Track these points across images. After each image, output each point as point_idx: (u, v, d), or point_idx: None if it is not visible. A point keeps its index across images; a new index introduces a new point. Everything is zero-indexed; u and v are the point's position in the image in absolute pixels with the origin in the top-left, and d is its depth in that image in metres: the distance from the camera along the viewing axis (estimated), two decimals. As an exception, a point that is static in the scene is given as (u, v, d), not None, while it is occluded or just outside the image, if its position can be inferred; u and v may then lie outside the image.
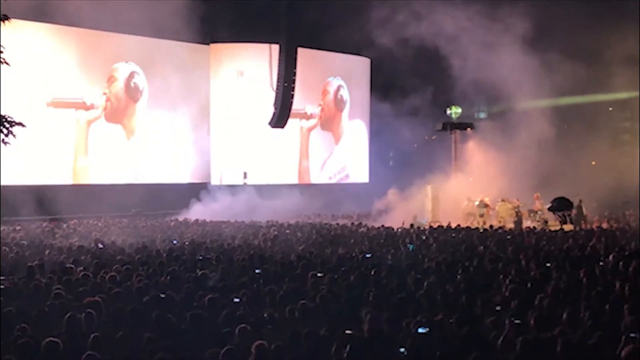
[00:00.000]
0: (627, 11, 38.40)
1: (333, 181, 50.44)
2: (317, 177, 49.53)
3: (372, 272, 14.66)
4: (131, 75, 41.24)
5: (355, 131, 51.72)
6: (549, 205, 34.20)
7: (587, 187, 36.00)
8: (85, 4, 36.18)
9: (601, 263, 16.29)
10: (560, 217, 33.66)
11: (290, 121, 43.39)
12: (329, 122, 50.26)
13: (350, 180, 51.34)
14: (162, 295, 11.90)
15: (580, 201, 34.33)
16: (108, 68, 40.36)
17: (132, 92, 41.33)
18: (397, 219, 33.98)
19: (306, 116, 48.63)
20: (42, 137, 36.41)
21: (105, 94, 39.91)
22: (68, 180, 38.78)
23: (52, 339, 8.75)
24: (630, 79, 43.04)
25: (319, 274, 14.42)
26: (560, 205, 33.66)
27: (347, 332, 9.24)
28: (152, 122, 42.01)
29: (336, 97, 50.78)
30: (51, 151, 37.69)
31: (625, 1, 38.36)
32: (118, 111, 40.59)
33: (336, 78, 50.74)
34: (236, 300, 11.79)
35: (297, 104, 44.11)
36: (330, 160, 50.42)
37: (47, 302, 11.25)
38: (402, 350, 9.06)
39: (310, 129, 49.08)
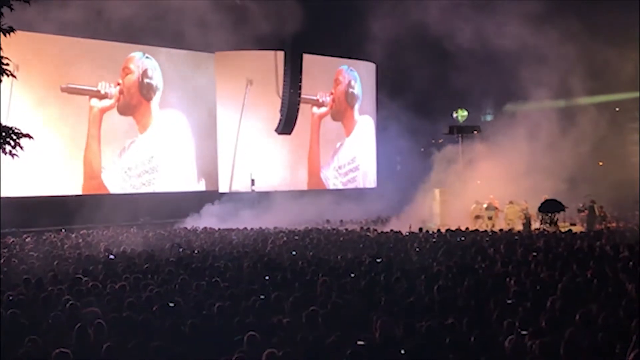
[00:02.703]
0: (634, 10, 38.30)
1: (343, 171, 50.51)
2: (327, 174, 49.56)
3: (383, 277, 14.63)
4: (145, 72, 41.50)
5: (365, 131, 51.84)
6: (539, 206, 33.97)
7: (595, 187, 35.93)
8: (89, 15, 36.32)
9: (611, 263, 16.21)
10: (543, 217, 33.41)
11: (302, 107, 43.57)
12: (339, 113, 50.38)
13: (359, 181, 51.39)
14: (172, 304, 11.89)
15: (593, 202, 34.12)
16: (123, 59, 40.67)
17: (144, 90, 41.55)
18: (404, 224, 34.00)
19: (317, 103, 48.77)
20: (56, 125, 37.34)
21: (119, 84, 40.15)
22: (78, 183, 38.93)
23: (62, 349, 8.74)
24: (637, 79, 42.97)
25: (328, 280, 14.38)
26: (548, 207, 33.41)
27: (360, 343, 9.19)
28: (158, 132, 42.19)
29: (347, 91, 50.87)
30: (63, 142, 38.09)
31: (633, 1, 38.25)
32: (130, 105, 40.84)
33: (350, 68, 50.83)
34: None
35: (309, 90, 44.32)
36: (342, 152, 50.57)
37: (57, 313, 11.25)
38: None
39: (321, 116, 49.20)
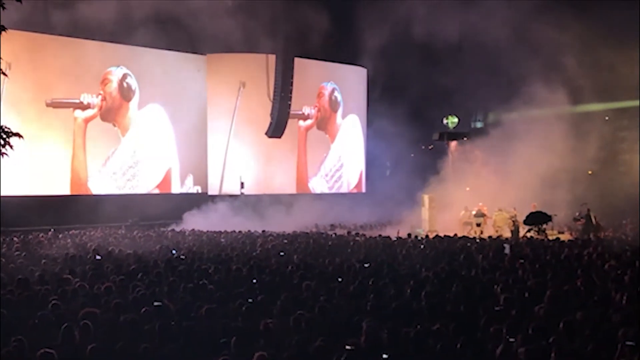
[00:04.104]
0: (625, 21, 38.39)
1: (329, 176, 50.60)
2: (314, 183, 49.59)
3: (371, 282, 14.62)
4: (124, 76, 41.77)
5: (350, 129, 52.02)
6: (524, 219, 33.78)
7: (585, 196, 35.96)
8: (80, 14, 36.39)
9: (599, 272, 16.26)
10: (535, 230, 33.22)
11: (289, 122, 43.72)
12: (324, 122, 50.61)
13: (344, 180, 51.46)
14: (158, 304, 11.84)
15: (589, 210, 33.96)
16: (103, 71, 40.85)
17: (125, 92, 41.85)
18: (393, 229, 34.05)
19: (303, 117, 48.93)
20: (41, 138, 37.60)
21: (100, 94, 40.62)
22: (65, 190, 38.98)
23: (46, 349, 8.71)
24: (626, 88, 43.13)
25: (316, 284, 14.38)
26: (534, 219, 33.28)
27: (347, 347, 9.19)
28: (147, 132, 42.22)
29: (331, 99, 51.10)
30: (50, 153, 38.39)
31: (623, 10, 38.33)
32: (112, 110, 41.24)
33: (330, 82, 50.88)
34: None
35: (294, 106, 44.60)
36: (328, 160, 50.69)
37: (43, 313, 11.20)
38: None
39: (307, 128, 49.52)
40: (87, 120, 40.07)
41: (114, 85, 41.36)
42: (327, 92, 50.85)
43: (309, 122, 49.44)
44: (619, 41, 38.95)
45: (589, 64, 39.65)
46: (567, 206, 35.67)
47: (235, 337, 9.41)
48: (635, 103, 45.14)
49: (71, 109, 39.49)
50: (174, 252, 23.58)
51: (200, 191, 44.87)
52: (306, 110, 49.08)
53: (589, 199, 35.19)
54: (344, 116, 51.58)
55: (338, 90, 51.31)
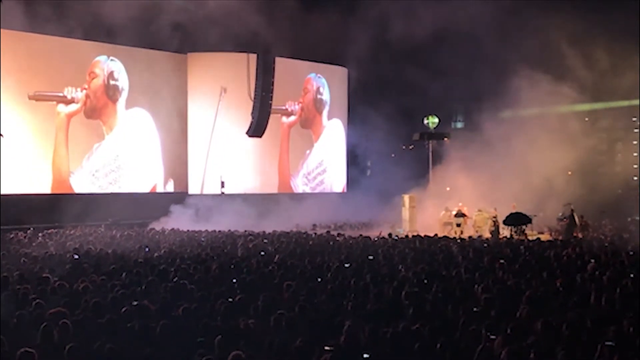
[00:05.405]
0: (610, 21, 38.52)
1: (312, 176, 50.53)
2: (297, 181, 49.52)
3: (351, 282, 14.64)
4: (110, 74, 41.40)
5: (334, 133, 51.85)
6: (504, 219, 33.85)
7: (564, 196, 36.11)
8: (62, 13, 36.20)
9: (578, 272, 16.33)
10: (514, 231, 33.28)
11: (272, 117, 43.59)
12: (308, 121, 50.44)
13: (327, 184, 51.33)
14: (136, 303, 11.81)
15: (573, 210, 34.03)
16: (88, 64, 40.47)
17: (110, 91, 41.48)
18: (375, 229, 34.10)
19: (287, 113, 48.78)
20: (23, 132, 37.58)
21: (85, 89, 40.13)
22: (46, 188, 38.67)
23: (27, 349, 8.66)
24: (608, 89, 43.36)
25: (296, 284, 14.37)
26: (513, 220, 33.34)
27: (326, 347, 9.19)
28: (125, 132, 41.96)
29: (316, 98, 50.90)
30: (31, 149, 38.09)
31: (608, 9, 38.48)
32: (97, 108, 40.85)
33: (317, 76, 50.74)
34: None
35: (278, 101, 44.32)
36: (310, 158, 50.55)
37: (22, 312, 11.14)
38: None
39: (290, 125, 49.26)
40: (70, 116, 39.56)
41: (99, 81, 40.88)
42: (312, 89, 50.64)
43: (292, 118, 49.28)
44: (603, 41, 39.08)
45: (570, 64, 39.76)
46: (547, 207, 35.81)
47: (215, 336, 9.39)
48: (615, 104, 45.44)
49: (54, 103, 39.02)
50: (147, 249, 23.60)
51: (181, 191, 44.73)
52: (290, 106, 48.95)
53: (569, 200, 35.35)
54: (329, 118, 51.46)
55: (324, 85, 51.17)
